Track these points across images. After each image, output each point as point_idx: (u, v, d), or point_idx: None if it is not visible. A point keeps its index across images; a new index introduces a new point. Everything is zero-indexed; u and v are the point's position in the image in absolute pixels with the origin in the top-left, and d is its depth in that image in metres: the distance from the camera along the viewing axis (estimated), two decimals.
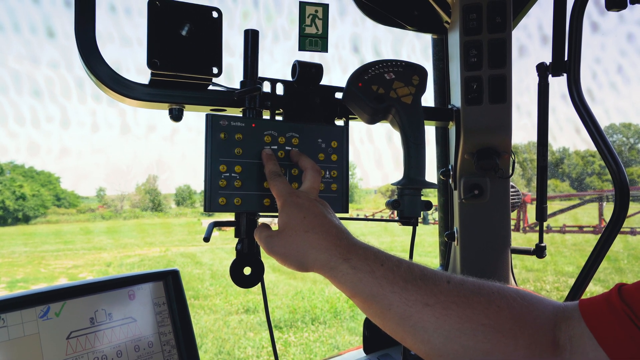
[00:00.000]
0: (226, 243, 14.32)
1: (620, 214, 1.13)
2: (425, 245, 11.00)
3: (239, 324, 6.33)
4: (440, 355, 0.60)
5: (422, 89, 0.93)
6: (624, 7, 1.02)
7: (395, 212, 0.91)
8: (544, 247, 1.25)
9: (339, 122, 0.97)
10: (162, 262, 12.57)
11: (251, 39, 0.85)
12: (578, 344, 0.56)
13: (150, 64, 0.78)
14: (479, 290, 0.61)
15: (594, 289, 6.56)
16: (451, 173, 1.26)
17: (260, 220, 0.85)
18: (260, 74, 0.87)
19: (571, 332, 0.57)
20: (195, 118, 0.91)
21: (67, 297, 0.81)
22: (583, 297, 0.84)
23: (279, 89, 0.91)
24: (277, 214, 0.76)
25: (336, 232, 0.69)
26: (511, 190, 1.26)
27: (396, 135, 0.94)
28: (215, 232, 0.83)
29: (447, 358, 0.60)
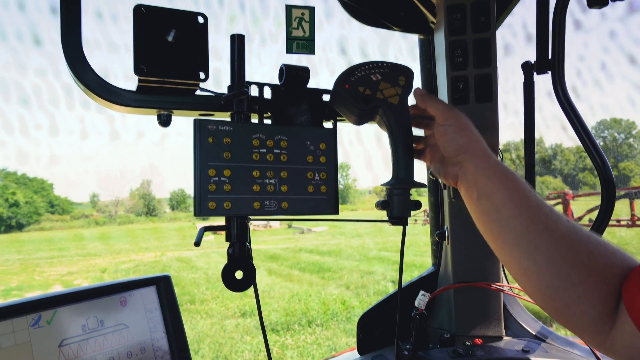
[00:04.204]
0: (221, 247, 14.27)
1: (607, 210, 1.14)
2: (420, 245, 11.03)
3: (236, 328, 6.32)
4: (540, 273, 0.66)
5: (408, 89, 0.93)
6: (605, 4, 1.03)
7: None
8: None
9: (327, 124, 0.97)
10: (157, 267, 12.51)
11: (237, 43, 0.85)
12: (622, 312, 0.58)
13: (137, 70, 0.78)
14: (588, 238, 0.65)
15: None
16: None
17: (252, 222, 0.85)
18: (248, 77, 0.87)
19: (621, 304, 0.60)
20: (185, 122, 0.92)
21: (58, 305, 0.81)
22: None
23: (267, 93, 0.91)
24: (266, 217, 0.76)
25: None
26: None
27: (385, 136, 0.94)
28: (210, 236, 0.83)
29: (540, 277, 0.66)
